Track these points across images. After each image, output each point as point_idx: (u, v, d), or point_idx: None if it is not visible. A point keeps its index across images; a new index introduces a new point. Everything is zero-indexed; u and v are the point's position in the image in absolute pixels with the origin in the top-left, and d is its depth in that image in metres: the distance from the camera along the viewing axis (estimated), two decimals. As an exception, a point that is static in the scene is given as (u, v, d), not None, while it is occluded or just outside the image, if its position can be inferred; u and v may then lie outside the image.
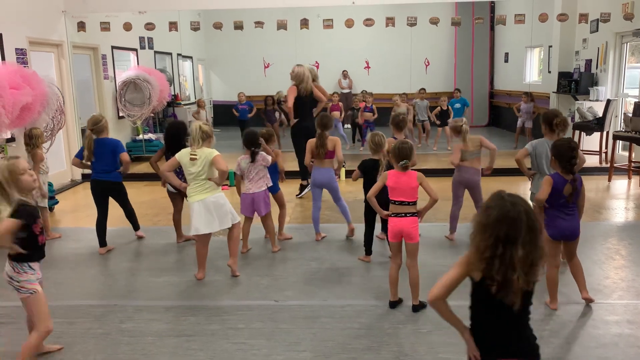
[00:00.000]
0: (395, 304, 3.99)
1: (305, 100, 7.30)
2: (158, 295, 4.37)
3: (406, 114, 10.58)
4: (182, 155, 4.46)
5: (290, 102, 7.29)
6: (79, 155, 5.37)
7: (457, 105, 11.43)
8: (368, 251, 5.01)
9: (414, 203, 3.90)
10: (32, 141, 5.75)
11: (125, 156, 5.29)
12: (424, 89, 11.90)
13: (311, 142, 5.51)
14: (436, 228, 5.77)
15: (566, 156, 3.71)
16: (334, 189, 5.55)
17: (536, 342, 2.14)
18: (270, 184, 5.17)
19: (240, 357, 3.37)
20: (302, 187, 7.58)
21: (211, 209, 4.41)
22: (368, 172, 4.85)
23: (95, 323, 3.86)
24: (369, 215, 4.90)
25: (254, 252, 5.31)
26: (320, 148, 5.41)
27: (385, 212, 4.03)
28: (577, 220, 3.86)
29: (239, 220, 4.69)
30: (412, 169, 3.99)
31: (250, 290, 4.38)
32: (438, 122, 11.16)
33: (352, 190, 7.63)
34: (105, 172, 5.28)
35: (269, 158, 5.08)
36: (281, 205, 5.58)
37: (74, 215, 7.11)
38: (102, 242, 5.44)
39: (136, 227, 5.77)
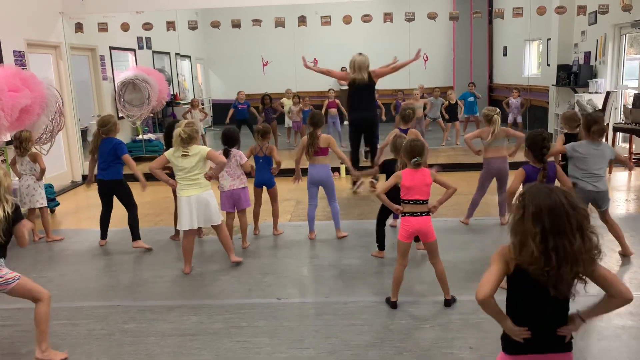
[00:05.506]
0: (396, 304, 3.91)
1: (359, 90, 7.25)
2: (161, 295, 4.37)
3: (422, 109, 10.63)
4: (172, 153, 4.60)
5: (336, 73, 7.99)
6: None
7: (471, 99, 11.43)
8: (381, 247, 4.98)
9: (427, 201, 3.84)
10: (22, 145, 5.80)
11: (127, 158, 5.38)
12: (438, 88, 11.97)
13: (304, 140, 5.51)
14: (446, 224, 5.77)
15: (538, 146, 3.99)
16: (330, 187, 5.49)
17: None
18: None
19: (243, 355, 3.37)
20: (354, 182, 7.55)
21: (200, 206, 4.61)
22: (389, 172, 4.74)
23: (98, 324, 3.86)
24: (382, 213, 4.90)
25: (255, 251, 5.31)
26: (310, 147, 5.36)
27: (396, 206, 3.94)
28: None
29: (223, 219, 4.86)
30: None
31: (252, 289, 4.38)
32: (447, 117, 11.15)
33: (348, 187, 7.63)
34: (104, 170, 5.38)
35: (245, 158, 5.26)
36: (274, 198, 5.67)
37: (75, 216, 7.12)
38: (103, 234, 5.61)
39: (135, 236, 5.44)
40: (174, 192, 5.53)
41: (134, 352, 3.46)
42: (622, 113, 9.00)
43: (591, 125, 4.58)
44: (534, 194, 1.96)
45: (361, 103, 7.28)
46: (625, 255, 4.72)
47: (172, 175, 4.79)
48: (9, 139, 6.81)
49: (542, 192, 1.95)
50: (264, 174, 5.57)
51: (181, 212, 4.66)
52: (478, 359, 3.21)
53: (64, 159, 8.86)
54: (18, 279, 3.26)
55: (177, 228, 4.91)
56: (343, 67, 15.39)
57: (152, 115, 10.94)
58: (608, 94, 8.98)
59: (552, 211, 1.90)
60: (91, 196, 8.04)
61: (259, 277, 4.62)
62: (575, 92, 10.03)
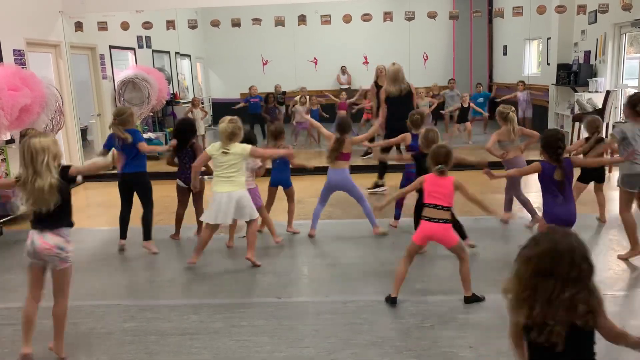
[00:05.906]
0: (395, 300, 3.91)
1: (400, 102, 7.15)
2: (160, 294, 4.38)
3: (427, 106, 10.61)
4: (216, 148, 4.63)
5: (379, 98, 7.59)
6: (107, 146, 5.44)
7: (480, 100, 11.43)
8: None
9: (449, 209, 3.81)
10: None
11: (142, 146, 5.22)
12: (453, 79, 11.97)
13: (332, 140, 5.40)
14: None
15: (553, 146, 3.79)
16: (352, 189, 5.38)
17: None
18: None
19: (243, 354, 3.37)
20: (377, 185, 7.41)
21: (232, 203, 4.59)
22: (421, 165, 4.60)
23: (98, 323, 3.86)
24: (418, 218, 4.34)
25: (255, 250, 5.29)
26: (334, 152, 5.26)
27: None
28: (572, 206, 3.89)
29: (257, 217, 4.84)
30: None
31: (252, 288, 4.38)
32: (456, 120, 11.18)
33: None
34: (127, 163, 5.20)
35: (257, 162, 5.25)
36: (291, 198, 5.65)
37: (75, 216, 7.07)
38: (123, 233, 5.41)
39: (147, 236, 5.28)
40: (178, 191, 5.53)
41: (134, 351, 3.46)
42: (622, 112, 8.99)
43: (637, 103, 4.45)
44: (538, 240, 1.88)
45: (403, 114, 7.14)
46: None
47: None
48: (8, 137, 6.82)
49: (545, 239, 1.86)
50: (280, 175, 5.52)
51: (210, 205, 4.72)
52: (478, 358, 3.21)
53: (64, 158, 8.83)
54: (71, 263, 3.29)
55: (200, 219, 4.91)
56: (343, 67, 15.47)
57: (152, 114, 10.93)
58: (608, 93, 8.98)
59: (549, 255, 1.81)
60: (91, 196, 8.05)
61: (259, 276, 4.62)
62: (575, 91, 10.03)
